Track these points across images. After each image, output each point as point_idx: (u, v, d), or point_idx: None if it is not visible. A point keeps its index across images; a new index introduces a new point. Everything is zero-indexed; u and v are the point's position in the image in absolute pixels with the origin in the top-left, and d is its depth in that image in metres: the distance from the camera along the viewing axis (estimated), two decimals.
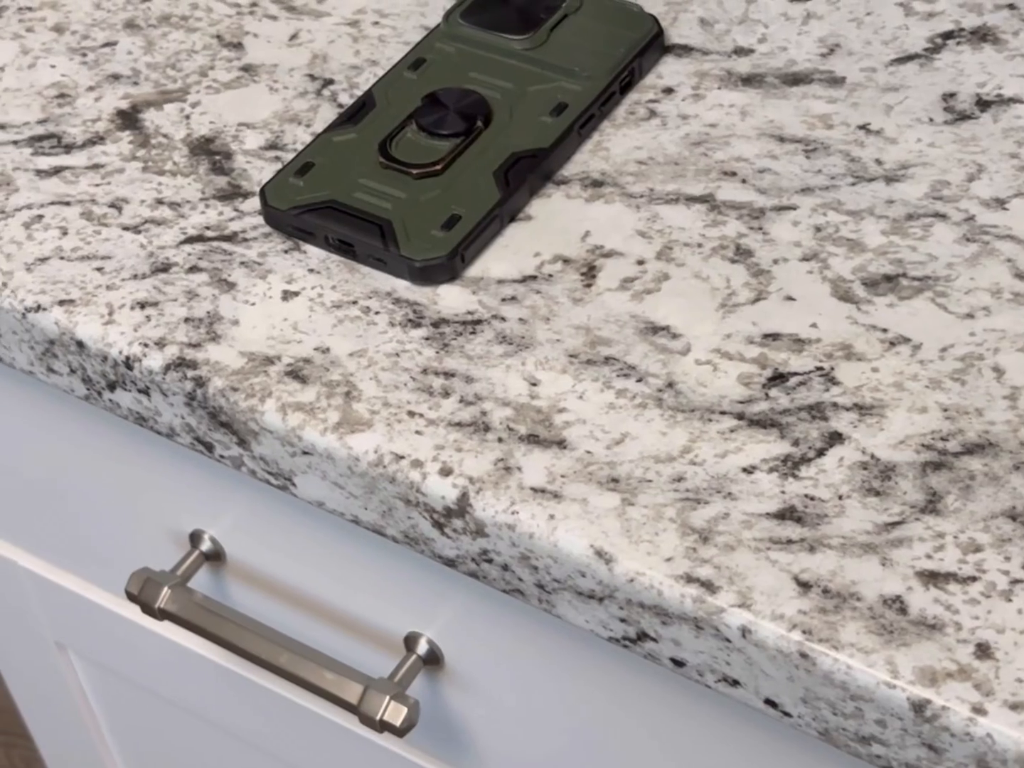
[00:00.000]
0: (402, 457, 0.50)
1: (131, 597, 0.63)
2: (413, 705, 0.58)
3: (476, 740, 0.63)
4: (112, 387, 0.55)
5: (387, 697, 0.58)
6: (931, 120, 0.59)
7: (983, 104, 0.60)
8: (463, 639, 0.59)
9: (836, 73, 0.62)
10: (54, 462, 0.67)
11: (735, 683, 0.47)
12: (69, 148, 0.61)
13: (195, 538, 0.65)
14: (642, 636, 0.48)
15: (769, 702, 0.46)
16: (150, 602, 0.62)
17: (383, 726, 0.58)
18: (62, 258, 0.57)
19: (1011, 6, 0.64)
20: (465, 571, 0.51)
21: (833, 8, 0.64)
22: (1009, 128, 0.59)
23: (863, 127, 0.59)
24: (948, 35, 0.63)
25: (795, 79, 0.62)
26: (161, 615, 0.63)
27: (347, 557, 0.60)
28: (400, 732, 0.58)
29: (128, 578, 0.64)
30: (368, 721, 0.58)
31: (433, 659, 0.61)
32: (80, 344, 0.55)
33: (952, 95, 0.60)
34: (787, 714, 0.46)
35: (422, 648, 0.60)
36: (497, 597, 0.56)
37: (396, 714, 0.58)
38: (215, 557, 0.65)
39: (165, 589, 0.62)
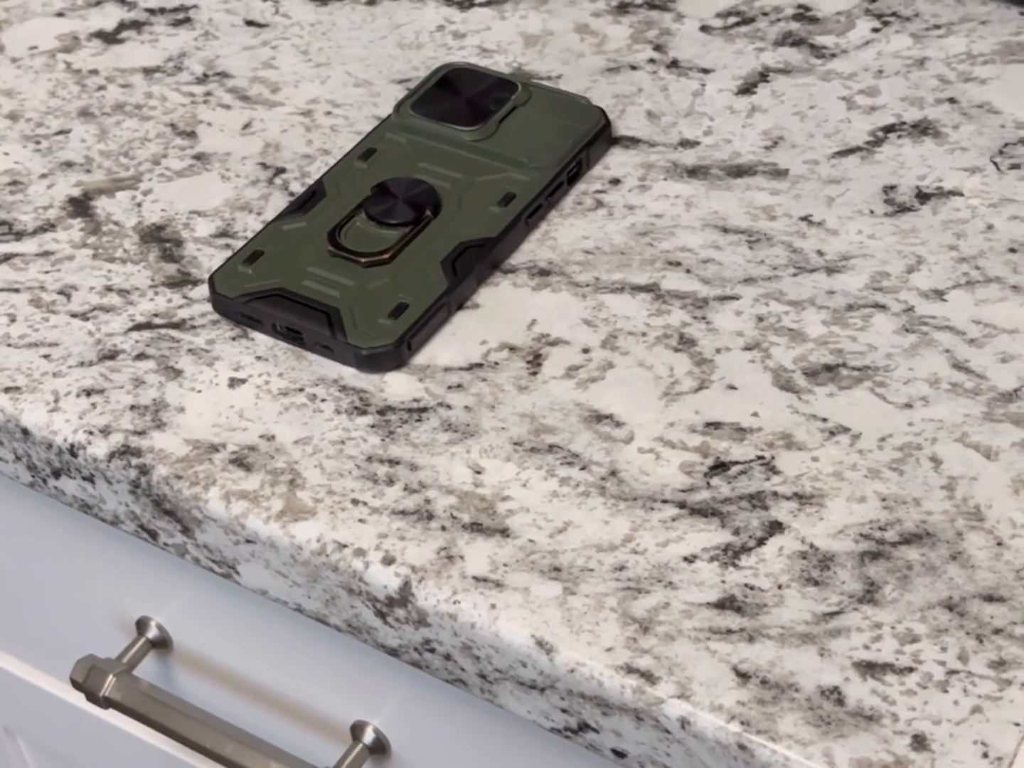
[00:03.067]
0: (345, 546, 0.50)
1: (76, 685, 0.63)
2: None
3: None
4: (57, 474, 0.55)
5: None
6: (871, 212, 0.60)
7: (923, 196, 0.61)
8: (409, 728, 0.59)
9: (779, 165, 0.63)
10: (0, 548, 0.67)
11: None
12: (20, 235, 0.62)
13: (142, 625, 0.65)
14: (583, 727, 0.48)
15: None
16: (95, 690, 0.62)
17: None
18: (9, 345, 0.57)
19: (951, 100, 0.65)
20: (408, 660, 0.51)
21: (778, 102, 0.66)
22: (948, 220, 0.60)
23: (805, 218, 0.60)
24: (890, 128, 0.64)
25: (739, 171, 0.62)
26: (106, 703, 0.62)
27: (293, 645, 0.60)
28: None
29: (73, 665, 0.63)
30: None
31: (379, 748, 0.60)
32: (25, 431, 0.55)
33: (893, 187, 0.61)
34: None
35: (368, 737, 0.60)
36: (443, 686, 0.56)
37: None
38: (162, 644, 0.65)
39: (110, 677, 0.62)
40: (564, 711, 0.48)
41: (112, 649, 0.66)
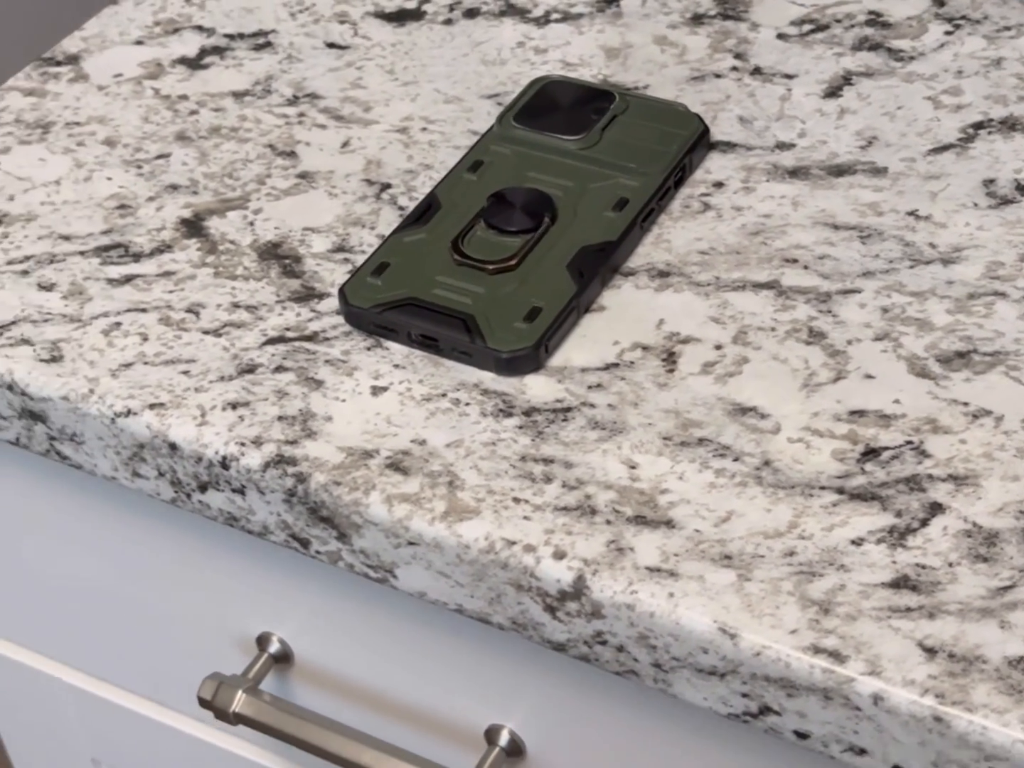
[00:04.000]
0: (514, 542, 0.51)
1: (203, 703, 0.63)
2: None
3: None
4: (203, 488, 0.56)
5: None
6: (975, 205, 0.62)
7: (1023, 189, 0.62)
8: (545, 728, 0.60)
9: (877, 164, 0.64)
10: (115, 572, 0.67)
11: (862, 752, 0.47)
12: (138, 257, 0.62)
13: (263, 641, 0.65)
14: (764, 710, 0.49)
15: None
16: (224, 707, 0.62)
17: None
18: (146, 363, 0.57)
19: None
20: (576, 655, 0.52)
21: (865, 103, 0.67)
22: None
23: (911, 213, 0.62)
24: (979, 125, 0.66)
25: (839, 170, 0.64)
26: (236, 719, 0.62)
27: (421, 651, 0.60)
28: None
29: (200, 684, 0.63)
30: None
31: (516, 751, 0.61)
32: (173, 446, 0.55)
33: (992, 181, 0.63)
34: None
35: (504, 740, 0.61)
36: (576, 683, 0.57)
37: None
38: (283, 659, 0.65)
39: (239, 693, 0.62)
40: (744, 696, 0.49)
41: (231, 669, 0.67)
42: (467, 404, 0.55)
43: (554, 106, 0.66)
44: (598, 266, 0.59)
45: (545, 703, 0.59)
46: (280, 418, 0.55)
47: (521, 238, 0.60)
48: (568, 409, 0.55)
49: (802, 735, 0.48)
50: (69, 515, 0.66)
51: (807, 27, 0.72)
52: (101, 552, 0.67)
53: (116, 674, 0.73)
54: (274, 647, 0.65)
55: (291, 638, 0.65)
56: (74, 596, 0.70)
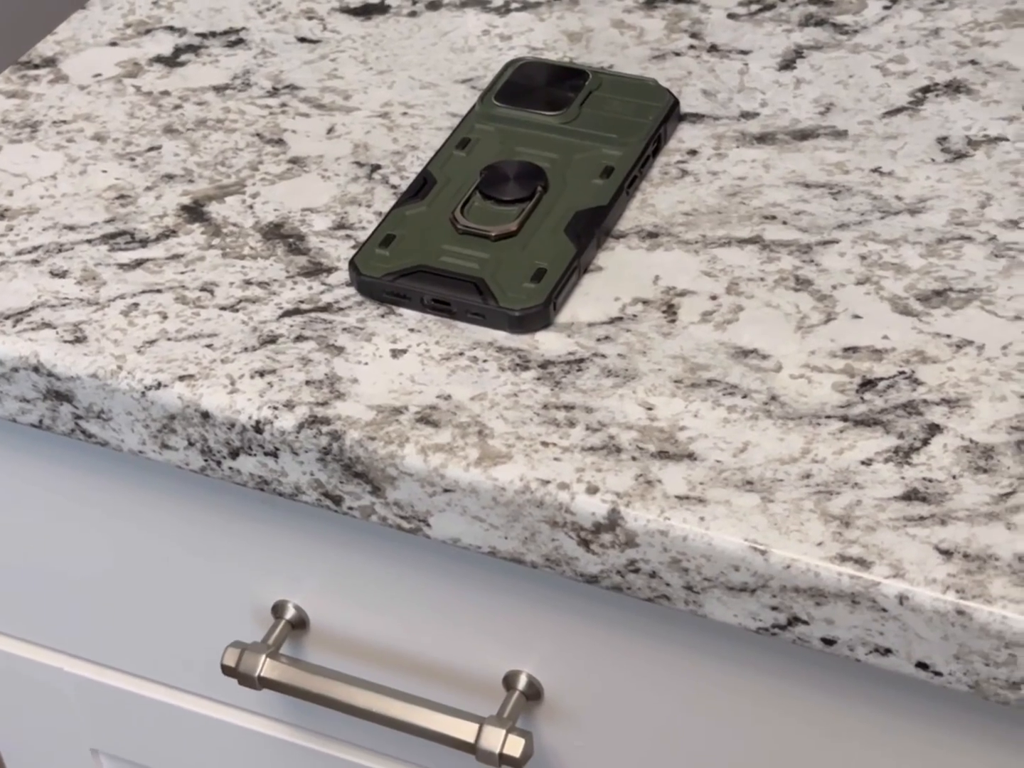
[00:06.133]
0: (548, 482, 0.54)
1: (227, 671, 0.65)
2: (529, 736, 0.61)
3: None
4: (235, 455, 0.58)
5: (503, 732, 0.61)
6: (933, 160, 0.66)
7: (973, 144, 0.67)
8: (562, 670, 0.63)
9: (838, 127, 0.68)
10: (118, 553, 0.69)
11: (887, 652, 0.51)
12: (144, 242, 0.64)
13: (279, 608, 0.67)
14: (793, 621, 0.52)
15: (921, 665, 0.51)
16: (249, 672, 0.64)
17: (503, 760, 0.61)
18: (169, 339, 0.60)
19: (973, 61, 0.72)
20: (607, 585, 0.55)
21: (818, 74, 0.72)
22: (1003, 162, 0.66)
23: (875, 170, 0.66)
24: (926, 89, 0.70)
25: (803, 135, 0.68)
26: (261, 684, 0.65)
27: (433, 605, 0.63)
28: (520, 764, 0.61)
29: (223, 652, 0.66)
30: (487, 757, 0.61)
31: (535, 694, 0.64)
32: (205, 415, 0.58)
33: (945, 138, 0.67)
34: (938, 673, 0.51)
35: (522, 683, 0.64)
36: (589, 622, 0.60)
37: (515, 747, 0.61)
38: (300, 625, 0.67)
39: (263, 658, 0.65)
40: (774, 608, 0.52)
41: (245, 639, 0.69)
42: (485, 361, 0.58)
43: (532, 85, 0.69)
44: (593, 228, 0.62)
45: (560, 646, 0.62)
46: (308, 383, 0.58)
47: (517, 207, 0.63)
48: (581, 360, 0.58)
49: (829, 641, 0.52)
50: (72, 494, 0.68)
51: (755, 7, 0.76)
52: (103, 533, 0.69)
53: (121, 658, 0.75)
54: (290, 614, 0.67)
55: (306, 603, 0.67)
56: (75, 582, 0.72)
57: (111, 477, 0.66)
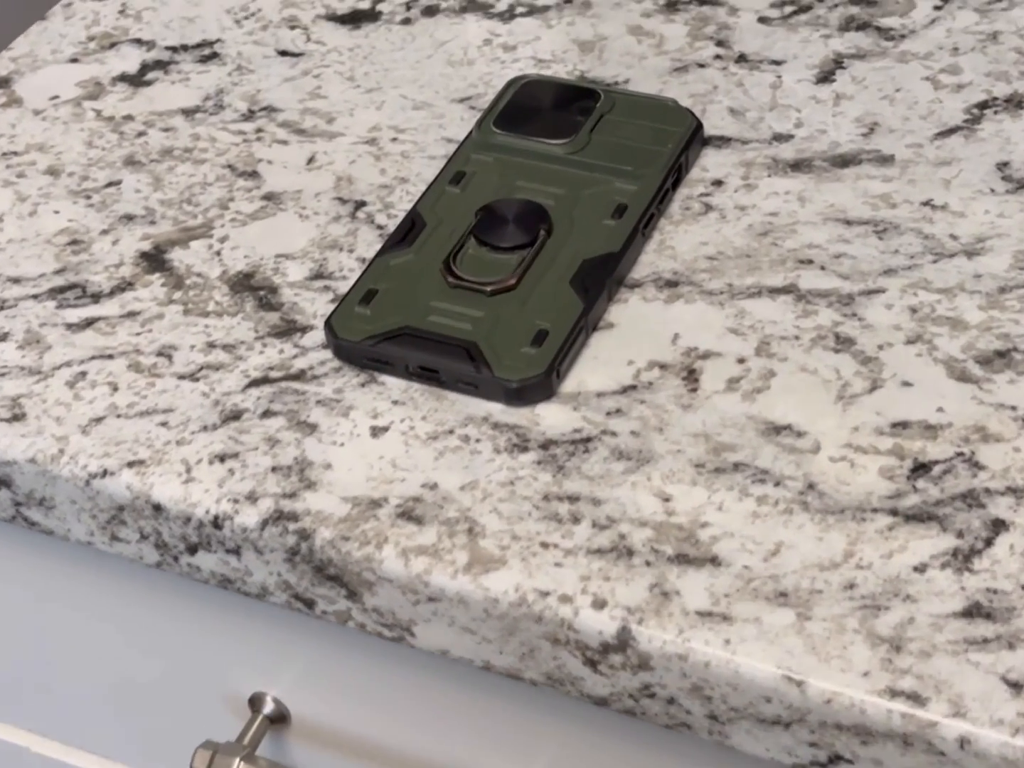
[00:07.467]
0: (547, 593, 0.46)
1: None
2: None
3: None
4: (193, 550, 0.51)
5: None
6: (992, 191, 0.58)
7: None
8: None
9: (883, 151, 0.60)
10: (92, 638, 0.62)
11: None
12: (97, 297, 0.57)
13: (256, 702, 0.60)
14: (835, 759, 0.45)
15: None
16: None
17: None
18: (119, 416, 0.52)
19: None
20: (619, 709, 0.47)
21: (860, 87, 0.63)
22: None
23: (927, 203, 0.58)
24: (983, 105, 0.62)
25: (843, 161, 0.60)
26: None
27: (423, 704, 0.56)
28: None
29: (193, 754, 0.58)
30: None
31: None
32: (157, 507, 0.50)
33: (1006, 164, 0.59)
34: None
35: None
36: (603, 735, 0.53)
37: None
38: (279, 719, 0.60)
39: (237, 761, 0.58)
40: (812, 744, 0.45)
41: (221, 734, 0.62)
42: (478, 440, 0.51)
43: (536, 108, 0.61)
44: (603, 280, 0.54)
45: (566, 758, 0.55)
46: (274, 469, 0.50)
47: (517, 254, 0.55)
48: (588, 439, 0.50)
49: None
50: (36, 578, 0.61)
51: (788, 8, 0.68)
52: (65, 620, 0.62)
53: (94, 743, 0.68)
54: (268, 707, 0.60)
55: (286, 697, 0.60)
56: (44, 662, 0.65)
57: (66, 562, 0.58)
